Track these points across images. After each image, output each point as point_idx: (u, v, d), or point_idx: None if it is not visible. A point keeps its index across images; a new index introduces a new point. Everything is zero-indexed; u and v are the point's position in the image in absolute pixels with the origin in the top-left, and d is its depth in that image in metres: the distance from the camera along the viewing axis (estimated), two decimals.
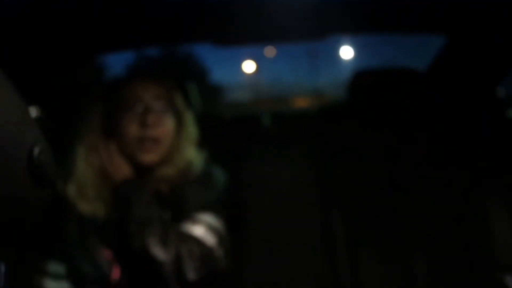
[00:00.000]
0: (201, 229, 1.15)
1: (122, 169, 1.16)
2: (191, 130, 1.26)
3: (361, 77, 1.65)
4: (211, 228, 1.16)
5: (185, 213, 1.17)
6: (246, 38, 1.71)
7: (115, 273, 1.13)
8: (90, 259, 1.13)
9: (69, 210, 1.15)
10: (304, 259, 1.54)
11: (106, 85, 1.25)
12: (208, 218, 1.18)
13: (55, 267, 1.14)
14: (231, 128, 1.78)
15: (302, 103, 5.90)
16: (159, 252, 1.08)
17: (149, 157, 1.16)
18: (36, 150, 0.41)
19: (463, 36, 1.61)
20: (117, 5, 1.32)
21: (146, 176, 1.19)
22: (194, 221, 1.16)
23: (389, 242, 1.53)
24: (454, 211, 1.51)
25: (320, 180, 1.62)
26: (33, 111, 1.48)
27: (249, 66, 5.99)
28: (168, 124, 1.19)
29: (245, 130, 1.76)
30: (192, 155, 1.24)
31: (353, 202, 1.57)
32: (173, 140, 1.21)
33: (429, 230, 1.50)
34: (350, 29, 1.71)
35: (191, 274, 1.10)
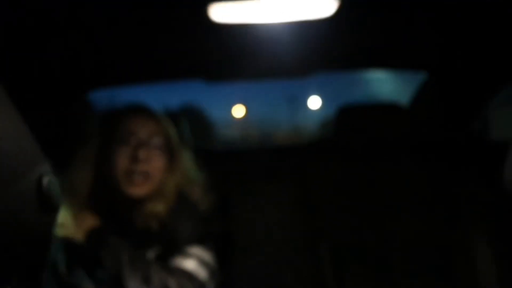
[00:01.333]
0: (193, 263, 1.15)
1: (87, 222, 1.14)
2: (186, 166, 1.26)
3: (345, 112, 1.71)
4: (202, 262, 1.16)
5: (176, 247, 1.17)
6: (237, 75, 1.76)
7: None
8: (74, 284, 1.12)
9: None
10: None
11: (102, 118, 1.25)
12: (199, 251, 1.17)
13: None
14: (219, 162, 1.80)
15: (281, 139, 6.10)
16: None
17: (137, 191, 1.15)
18: (45, 180, 0.45)
19: (442, 73, 1.68)
20: (108, 42, 1.34)
21: (134, 210, 1.18)
22: (185, 255, 1.16)
23: (375, 273, 1.55)
24: (438, 243, 1.56)
25: (306, 213, 1.65)
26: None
27: (239, 110, 6.18)
28: (159, 160, 1.19)
29: (233, 165, 1.78)
30: (182, 189, 1.24)
31: (339, 235, 1.60)
32: (164, 176, 1.20)
33: (413, 260, 1.54)
34: (333, 66, 1.77)
35: None
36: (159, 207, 1.18)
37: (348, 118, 1.70)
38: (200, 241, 1.19)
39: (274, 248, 1.60)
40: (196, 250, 1.17)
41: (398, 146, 1.69)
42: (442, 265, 1.53)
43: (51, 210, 0.45)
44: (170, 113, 1.28)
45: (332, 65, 1.73)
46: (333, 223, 1.62)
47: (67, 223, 1.11)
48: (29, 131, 0.45)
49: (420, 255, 1.55)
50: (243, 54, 1.51)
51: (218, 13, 1.12)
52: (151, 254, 1.16)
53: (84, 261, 1.12)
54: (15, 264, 0.43)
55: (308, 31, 1.31)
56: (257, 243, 1.58)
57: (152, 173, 1.16)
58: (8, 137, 0.41)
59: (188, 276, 1.13)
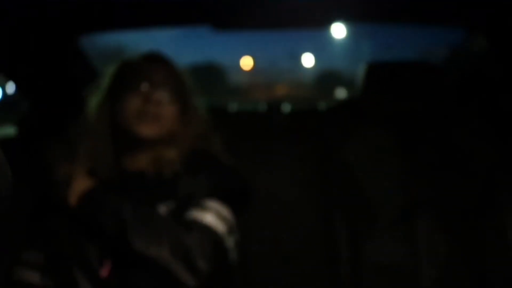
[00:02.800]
0: (211, 216, 1.11)
1: (84, 182, 1.13)
2: (200, 117, 1.25)
3: (374, 69, 1.57)
4: (221, 216, 1.13)
5: (192, 201, 1.13)
6: (247, 23, 1.63)
7: (105, 271, 1.08)
8: (77, 251, 1.09)
9: (56, 206, 1.12)
10: (306, 260, 1.50)
11: (117, 64, 1.24)
12: (217, 205, 1.14)
13: (38, 257, 1.10)
14: (236, 121, 1.71)
15: (281, 90, 6.26)
16: (152, 250, 1.04)
17: (146, 130, 1.14)
18: None
19: (483, 31, 1.53)
20: None
21: (144, 151, 1.17)
22: (202, 208, 1.12)
23: (392, 242, 1.48)
24: (463, 214, 1.46)
25: (324, 178, 1.56)
26: None
27: (247, 63, 6.11)
28: (171, 105, 1.18)
29: (251, 124, 1.71)
30: (198, 141, 1.23)
31: (358, 203, 1.51)
32: (176, 122, 1.19)
33: (437, 232, 1.45)
34: (357, 17, 1.62)
35: (201, 264, 1.06)
36: (171, 152, 1.17)
37: (378, 76, 1.56)
38: (218, 195, 1.15)
39: (286, 209, 1.54)
40: (214, 204, 1.14)
41: (432, 109, 1.56)
42: (472, 245, 1.44)
43: None
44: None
45: (356, 16, 1.57)
46: (351, 191, 1.53)
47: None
48: None
49: (446, 232, 1.45)
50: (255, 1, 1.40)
51: None
52: (163, 208, 1.12)
53: (84, 228, 1.10)
54: None
55: None
56: (269, 204, 1.51)
57: (163, 115, 1.16)
58: None
59: (206, 229, 1.09)
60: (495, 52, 1.56)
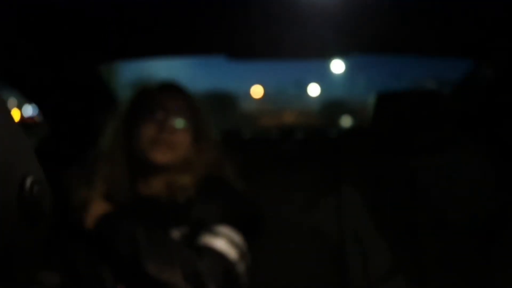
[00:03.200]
0: (222, 242, 1.12)
1: (100, 207, 1.15)
2: (213, 144, 1.27)
3: (383, 99, 1.59)
4: (232, 242, 1.13)
5: (204, 226, 1.14)
6: (260, 52, 1.67)
7: None
8: (92, 273, 1.11)
9: (73, 229, 1.14)
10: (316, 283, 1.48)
11: (134, 92, 1.29)
12: (228, 232, 1.14)
13: (53, 278, 1.11)
14: (248, 147, 1.73)
15: (289, 118, 6.41)
16: (164, 274, 1.04)
17: (161, 156, 1.17)
18: (29, 181, 0.35)
19: (490, 60, 1.55)
20: (132, 14, 1.31)
21: (159, 176, 1.20)
22: (214, 234, 1.13)
23: (406, 271, 1.45)
24: (476, 238, 1.45)
25: (336, 205, 1.56)
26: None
27: (257, 91, 6.42)
28: (186, 133, 1.22)
29: (263, 151, 1.71)
30: (211, 168, 1.25)
31: (370, 229, 1.50)
32: (190, 149, 1.22)
33: (447, 257, 1.44)
34: (369, 48, 1.66)
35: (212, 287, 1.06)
36: (185, 178, 1.19)
37: (387, 105, 1.58)
38: (229, 221, 1.16)
39: (298, 236, 1.53)
40: (226, 230, 1.14)
41: (440, 136, 1.57)
42: (483, 272, 1.41)
43: (37, 221, 0.35)
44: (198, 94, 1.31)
45: (367, 47, 1.60)
46: (365, 220, 1.52)
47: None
48: (10, 116, 0.35)
49: (458, 258, 1.43)
50: (271, 32, 1.44)
51: None
52: (176, 233, 1.14)
53: (100, 252, 1.12)
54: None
55: (344, 9, 1.21)
56: (281, 230, 1.50)
57: (178, 142, 1.20)
58: None
59: (217, 255, 1.10)
60: (502, 81, 1.58)
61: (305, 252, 1.52)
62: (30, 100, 1.50)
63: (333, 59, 1.68)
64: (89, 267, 1.11)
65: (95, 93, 1.67)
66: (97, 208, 1.15)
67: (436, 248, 1.46)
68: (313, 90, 6.56)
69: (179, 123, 1.21)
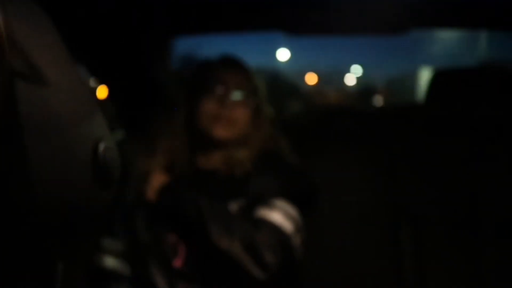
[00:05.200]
0: (278, 215, 1.14)
1: (161, 177, 1.19)
2: (268, 118, 1.28)
3: (441, 76, 1.53)
4: (288, 215, 1.15)
5: (261, 200, 1.16)
6: (319, 28, 1.64)
7: (178, 261, 1.13)
8: (153, 241, 1.15)
9: (136, 192, 1.18)
10: (369, 265, 1.47)
11: (195, 68, 1.32)
12: (284, 205, 1.16)
13: (116, 245, 1.17)
14: (305, 123, 1.72)
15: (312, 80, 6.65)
16: (224, 243, 1.07)
17: (221, 132, 1.20)
18: (102, 147, 0.37)
19: None
20: None
21: (218, 151, 1.22)
22: (271, 207, 1.15)
23: (460, 258, 1.42)
24: None
25: (389, 184, 1.53)
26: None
27: (312, 78, 6.72)
28: (244, 109, 1.23)
29: (319, 127, 1.70)
30: (269, 143, 1.26)
31: (424, 212, 1.47)
32: (249, 124, 1.24)
33: (505, 249, 1.37)
34: (434, 23, 1.59)
35: (269, 259, 1.08)
36: (243, 153, 1.22)
37: (445, 83, 1.51)
38: (285, 195, 1.18)
39: (352, 211, 1.53)
40: (282, 204, 1.16)
41: (502, 116, 1.49)
42: None
43: (108, 182, 0.37)
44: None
45: (432, 22, 1.53)
46: (417, 198, 1.49)
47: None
48: (86, 86, 0.37)
49: None
50: (328, 7, 1.42)
51: None
52: (234, 206, 1.16)
53: (161, 220, 1.16)
54: (66, 243, 0.36)
55: None
56: (335, 205, 1.50)
57: (236, 118, 1.21)
58: (61, 94, 0.33)
59: (274, 228, 1.12)
60: None
61: (358, 227, 1.51)
62: (96, 77, 1.55)
63: (393, 35, 1.62)
64: (149, 235, 1.16)
65: (157, 67, 1.71)
66: (158, 179, 1.18)
67: (499, 244, 1.41)
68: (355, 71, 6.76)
69: (239, 98, 1.22)
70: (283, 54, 6.95)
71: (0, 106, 0.30)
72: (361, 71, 6.87)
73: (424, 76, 5.85)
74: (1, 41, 0.30)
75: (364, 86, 6.94)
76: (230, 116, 1.20)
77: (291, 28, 1.60)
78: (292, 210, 1.17)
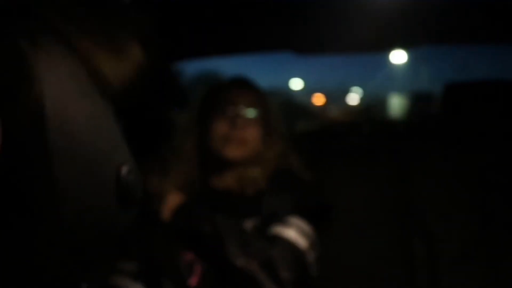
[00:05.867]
0: (293, 232, 1.15)
1: (176, 198, 1.20)
2: (280, 136, 1.30)
3: (452, 90, 1.53)
4: (302, 232, 1.16)
5: (275, 217, 1.17)
6: (327, 47, 1.67)
7: (194, 280, 1.13)
8: (168, 261, 1.16)
9: (151, 212, 1.19)
10: (383, 282, 1.46)
11: (206, 89, 1.33)
12: (298, 222, 1.18)
13: (132, 266, 1.17)
14: (314, 141, 1.73)
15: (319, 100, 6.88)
16: (240, 261, 1.08)
17: (233, 153, 1.21)
18: (125, 170, 0.39)
19: None
20: (199, 13, 1.34)
21: (231, 171, 1.23)
22: (285, 223, 1.16)
23: (474, 271, 1.40)
24: None
25: (403, 199, 1.53)
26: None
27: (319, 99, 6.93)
28: (256, 129, 1.24)
29: (329, 144, 1.71)
30: (281, 161, 1.28)
31: (437, 228, 1.46)
32: (260, 144, 1.25)
33: None
34: (435, 40, 1.60)
35: (285, 275, 1.09)
36: (256, 172, 1.23)
37: (456, 97, 1.52)
38: (300, 212, 1.19)
39: (365, 229, 1.53)
40: (296, 220, 1.17)
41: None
42: None
43: (131, 204, 0.38)
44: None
45: (436, 38, 1.55)
46: (431, 215, 1.48)
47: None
48: (109, 111, 0.39)
49: None
50: (337, 25, 1.42)
51: None
52: (249, 224, 1.17)
53: (177, 239, 1.17)
54: (89, 264, 0.37)
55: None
56: (347, 226, 1.51)
57: (248, 138, 1.23)
58: (86, 121, 0.35)
59: (288, 244, 1.13)
60: None
61: (371, 244, 1.51)
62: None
63: (397, 50, 1.64)
64: (165, 254, 1.17)
65: (168, 90, 1.73)
66: (173, 199, 1.20)
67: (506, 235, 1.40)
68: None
69: (249, 117, 1.23)
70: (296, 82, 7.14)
71: (31, 134, 0.31)
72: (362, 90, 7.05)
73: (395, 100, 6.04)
74: (29, 73, 0.31)
75: (367, 105, 7.08)
76: (242, 136, 1.22)
77: (300, 47, 1.63)
78: (306, 226, 1.17)
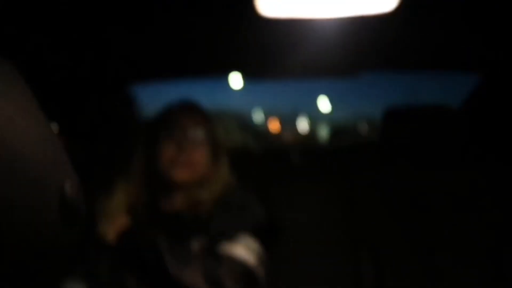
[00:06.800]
0: (241, 249, 1.16)
1: (122, 221, 1.20)
2: (227, 157, 1.31)
3: (392, 114, 1.62)
4: (250, 249, 1.17)
5: (223, 235, 1.18)
6: (276, 72, 1.71)
7: None
8: (115, 283, 1.14)
9: (98, 234, 1.18)
10: None
11: (156, 114, 1.34)
12: (246, 240, 1.19)
13: (79, 287, 1.15)
14: (261, 162, 1.76)
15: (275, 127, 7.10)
16: (187, 280, 1.08)
17: (181, 176, 1.22)
18: (68, 186, 0.39)
19: (497, 74, 1.57)
20: (152, 37, 1.35)
21: (179, 193, 1.24)
22: (233, 242, 1.17)
23: (418, 282, 1.46)
24: (487, 250, 1.44)
25: (348, 218, 1.57)
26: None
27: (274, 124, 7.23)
28: (203, 152, 1.25)
29: (275, 165, 1.74)
30: (228, 182, 1.29)
31: (382, 242, 1.51)
32: (207, 166, 1.26)
33: (461, 271, 1.43)
34: (385, 66, 1.69)
35: (232, 286, 1.10)
36: (204, 194, 1.23)
37: (395, 121, 1.60)
38: (247, 230, 1.20)
39: (313, 247, 1.54)
40: (244, 238, 1.19)
41: (449, 151, 1.57)
42: (494, 276, 1.41)
43: (74, 221, 0.38)
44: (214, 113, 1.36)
45: (383, 65, 1.63)
46: (376, 229, 1.53)
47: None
48: (50, 129, 0.39)
49: (470, 266, 1.44)
50: (288, 50, 1.47)
51: (266, 6, 1.07)
52: (197, 244, 1.17)
53: (123, 261, 1.15)
54: (33, 281, 0.37)
55: (362, 27, 1.25)
56: (296, 241, 1.52)
57: (196, 161, 1.24)
58: (27, 138, 0.35)
59: (237, 261, 1.14)
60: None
61: (318, 258, 1.52)
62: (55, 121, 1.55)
63: (346, 77, 1.71)
64: (112, 276, 1.14)
65: (119, 114, 1.72)
66: (119, 222, 1.19)
67: (454, 267, 1.45)
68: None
69: (196, 141, 1.24)
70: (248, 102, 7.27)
71: None
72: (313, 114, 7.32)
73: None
74: None
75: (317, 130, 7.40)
76: (189, 159, 1.23)
77: (249, 72, 1.66)
78: (254, 243, 1.19)
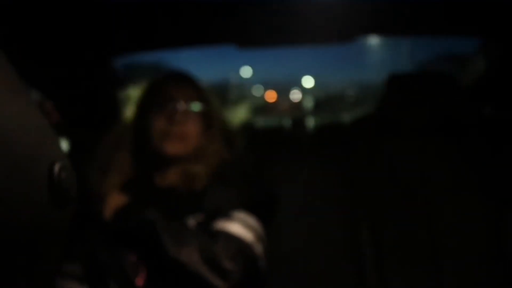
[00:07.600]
0: (237, 226, 1.14)
1: (116, 199, 1.18)
2: (223, 130, 1.28)
3: (396, 79, 1.59)
4: (247, 225, 1.15)
5: (219, 212, 1.16)
6: (271, 40, 1.68)
7: (139, 280, 1.11)
8: (113, 262, 1.12)
9: (93, 213, 1.16)
10: (331, 273, 1.49)
11: (145, 84, 1.30)
12: (243, 216, 1.16)
13: (76, 268, 1.14)
14: (261, 136, 1.74)
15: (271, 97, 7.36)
16: (182, 257, 1.06)
17: (173, 149, 1.19)
18: (57, 167, 0.37)
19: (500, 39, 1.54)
20: (143, 6, 1.32)
21: (173, 167, 1.21)
22: (229, 218, 1.15)
23: (418, 258, 1.46)
24: (487, 226, 1.44)
25: (349, 192, 1.57)
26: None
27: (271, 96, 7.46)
28: (196, 124, 1.22)
29: (276, 138, 1.72)
30: (223, 156, 1.25)
31: (382, 216, 1.51)
32: (201, 139, 1.23)
33: (460, 246, 1.43)
34: (381, 30, 1.65)
35: (228, 266, 1.07)
36: (197, 168, 1.20)
37: (399, 88, 1.57)
38: (245, 206, 1.18)
39: (312, 223, 1.55)
40: (240, 214, 1.16)
41: (451, 120, 1.56)
42: (494, 255, 1.43)
43: (64, 204, 0.37)
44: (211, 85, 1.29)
45: (380, 29, 1.60)
46: (376, 204, 1.53)
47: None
48: (38, 109, 0.38)
49: (469, 242, 1.44)
50: (280, 17, 1.44)
51: None
52: (192, 221, 1.15)
53: (120, 240, 1.13)
54: (22, 266, 0.36)
55: None
56: (295, 217, 1.53)
57: (188, 133, 1.20)
58: (13, 119, 0.34)
59: (233, 238, 1.12)
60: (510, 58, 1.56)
61: (318, 235, 1.53)
62: (46, 96, 1.52)
63: (342, 43, 1.67)
64: (109, 255, 1.13)
65: (107, 86, 1.69)
66: (114, 200, 1.17)
67: (454, 242, 1.46)
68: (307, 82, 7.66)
69: (189, 113, 1.21)
70: (246, 71, 7.68)
71: None
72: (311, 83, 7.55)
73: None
74: None
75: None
76: (181, 131, 1.19)
77: (243, 40, 1.63)
78: (251, 220, 1.17)
